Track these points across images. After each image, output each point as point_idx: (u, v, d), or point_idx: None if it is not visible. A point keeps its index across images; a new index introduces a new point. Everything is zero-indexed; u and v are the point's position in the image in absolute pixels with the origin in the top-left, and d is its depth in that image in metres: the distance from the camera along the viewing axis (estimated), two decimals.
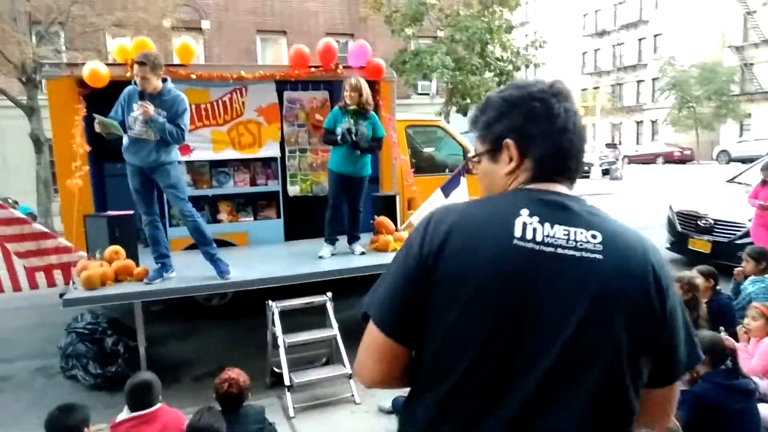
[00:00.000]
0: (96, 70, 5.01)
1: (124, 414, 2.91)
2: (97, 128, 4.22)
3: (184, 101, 4.35)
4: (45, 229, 4.86)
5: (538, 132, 1.18)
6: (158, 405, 2.92)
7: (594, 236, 1.12)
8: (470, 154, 1.40)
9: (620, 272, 1.10)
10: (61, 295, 4.33)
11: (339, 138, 4.97)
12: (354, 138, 4.93)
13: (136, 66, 4.16)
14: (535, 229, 1.11)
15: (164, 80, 4.36)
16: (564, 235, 1.11)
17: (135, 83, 4.27)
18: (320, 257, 5.17)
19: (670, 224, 8.21)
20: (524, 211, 1.13)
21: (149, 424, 2.85)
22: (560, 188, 1.21)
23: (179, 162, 4.78)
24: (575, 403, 1.07)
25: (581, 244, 1.10)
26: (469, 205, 1.25)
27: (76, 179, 4.76)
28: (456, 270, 1.10)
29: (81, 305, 4.43)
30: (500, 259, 1.09)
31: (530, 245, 1.10)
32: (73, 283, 4.47)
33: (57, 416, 2.75)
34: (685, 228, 7.80)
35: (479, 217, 1.17)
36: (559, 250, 1.10)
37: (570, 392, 1.07)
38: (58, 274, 4.75)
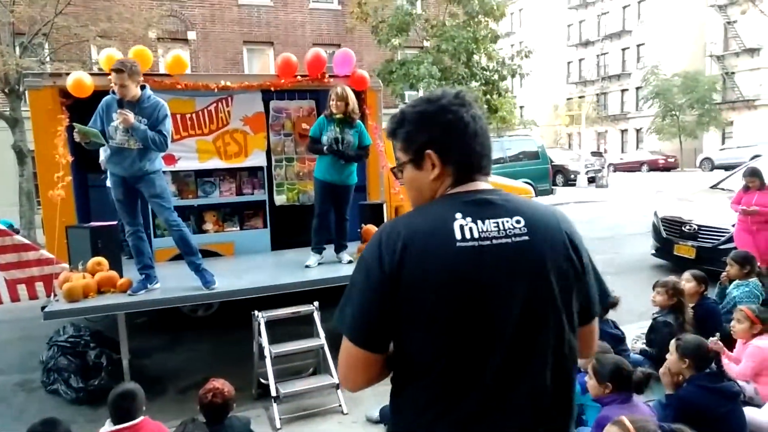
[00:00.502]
0: (81, 80, 4.98)
1: (106, 427, 2.86)
2: (77, 137, 4.16)
3: (164, 107, 4.29)
4: (26, 241, 4.80)
5: (455, 141, 1.36)
6: (141, 418, 2.87)
7: (518, 221, 1.30)
8: (391, 166, 1.58)
9: (545, 245, 1.31)
10: (43, 308, 4.26)
11: (325, 148, 4.96)
12: (340, 147, 4.93)
13: (113, 74, 4.09)
14: (471, 228, 1.27)
15: (143, 87, 4.29)
16: (494, 227, 1.28)
17: (113, 92, 4.21)
18: (307, 266, 5.14)
19: (656, 230, 8.27)
20: (458, 215, 1.29)
21: None
22: (481, 185, 1.38)
23: (164, 171, 4.76)
24: (540, 362, 1.28)
25: (510, 231, 1.29)
26: (411, 217, 1.36)
27: (59, 190, 4.70)
28: (416, 282, 1.24)
29: (63, 317, 4.36)
30: (449, 263, 1.25)
31: (470, 244, 1.26)
32: (55, 295, 4.40)
33: (39, 431, 2.69)
34: (670, 234, 7.87)
35: (424, 228, 1.29)
36: (494, 241, 1.27)
37: (533, 354, 1.28)
38: (40, 287, 4.68)
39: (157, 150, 4.27)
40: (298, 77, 5.86)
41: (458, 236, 1.26)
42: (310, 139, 5.21)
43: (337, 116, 4.96)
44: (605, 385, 2.86)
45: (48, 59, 13.43)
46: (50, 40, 13.28)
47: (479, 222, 1.28)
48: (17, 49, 12.44)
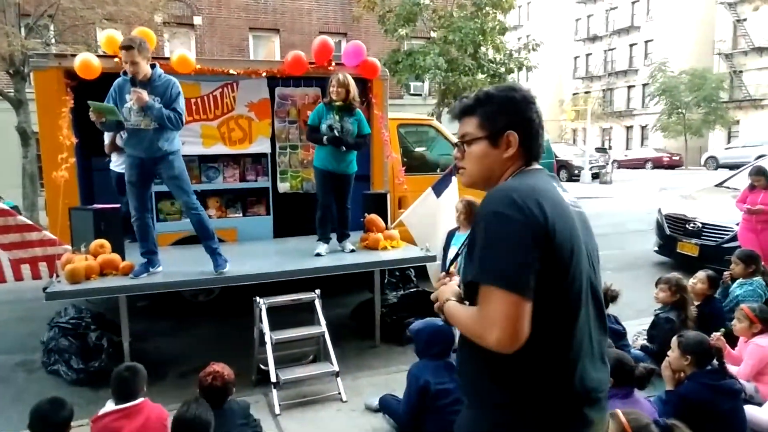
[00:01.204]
0: (88, 61, 4.94)
1: (108, 407, 2.87)
2: (92, 116, 4.11)
3: (176, 84, 4.24)
4: (29, 222, 4.78)
5: (532, 128, 1.59)
6: (141, 399, 2.88)
7: (573, 196, 1.61)
8: (456, 140, 1.71)
9: (585, 215, 1.61)
10: (45, 289, 4.25)
11: (324, 138, 4.92)
12: (339, 134, 4.89)
13: (122, 52, 4.03)
14: (566, 196, 1.55)
15: (152, 66, 4.24)
16: (570, 197, 1.57)
17: (124, 73, 4.18)
18: (317, 254, 5.11)
19: (659, 227, 8.25)
20: (554, 184, 1.56)
21: (130, 418, 2.81)
22: (540, 167, 1.62)
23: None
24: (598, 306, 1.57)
25: (575, 202, 1.58)
26: (522, 182, 1.51)
27: (62, 171, 4.68)
28: (561, 234, 1.41)
29: (65, 299, 4.37)
30: (571, 220, 1.47)
31: (572, 207, 1.53)
32: (57, 276, 4.39)
33: (46, 409, 2.70)
34: (673, 231, 7.85)
35: (546, 190, 1.48)
36: (575, 208, 1.55)
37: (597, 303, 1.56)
38: (43, 267, 4.67)
39: (173, 128, 4.22)
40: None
41: (567, 199, 1.52)
42: (308, 127, 5.16)
43: (337, 103, 4.92)
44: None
45: (53, 41, 13.37)
46: (56, 22, 13.22)
47: (565, 192, 1.55)
48: (23, 30, 12.40)
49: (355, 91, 4.98)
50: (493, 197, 1.45)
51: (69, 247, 4.65)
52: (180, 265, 4.76)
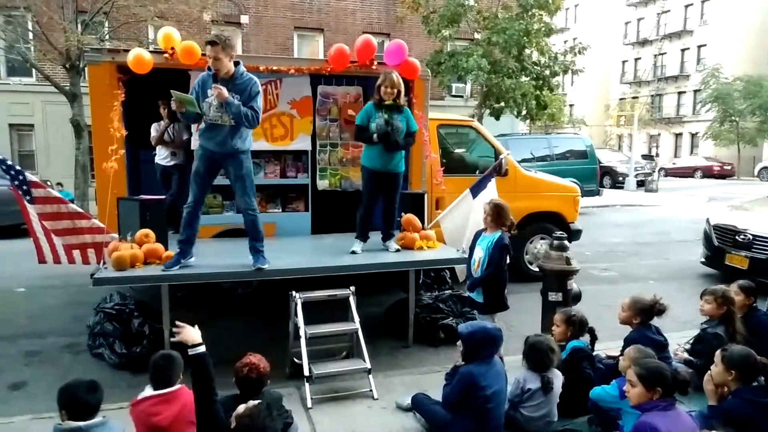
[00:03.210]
0: (141, 56, 5.11)
1: (147, 392, 2.94)
2: (174, 105, 4.28)
3: (257, 84, 4.33)
4: (80, 210, 4.97)
5: None
6: (179, 386, 2.94)
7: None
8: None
9: None
10: (92, 275, 4.42)
11: (375, 136, 4.93)
12: (390, 130, 4.89)
13: (208, 47, 4.12)
14: None
15: (236, 63, 4.31)
16: None
17: (208, 69, 4.28)
18: (353, 252, 5.14)
19: (707, 238, 7.96)
20: None
21: (169, 403, 2.88)
22: None
23: None
24: None
25: None
26: None
27: (112, 162, 4.85)
28: None
29: (110, 285, 4.52)
30: None
31: None
32: (104, 263, 4.56)
33: (77, 387, 2.73)
34: (722, 243, 7.56)
35: None
36: None
37: None
38: (91, 254, 4.86)
39: (249, 126, 4.31)
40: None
41: None
42: (356, 127, 5.16)
43: (387, 103, 4.94)
44: (655, 390, 2.72)
45: (107, 37, 13.89)
46: (110, 19, 13.73)
47: None
48: (79, 26, 12.91)
49: (402, 90, 5.03)
50: None
51: (116, 235, 4.82)
52: (220, 258, 4.86)
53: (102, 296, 5.30)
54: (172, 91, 4.29)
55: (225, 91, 4.11)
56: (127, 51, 5.27)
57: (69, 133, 13.66)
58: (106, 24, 14.10)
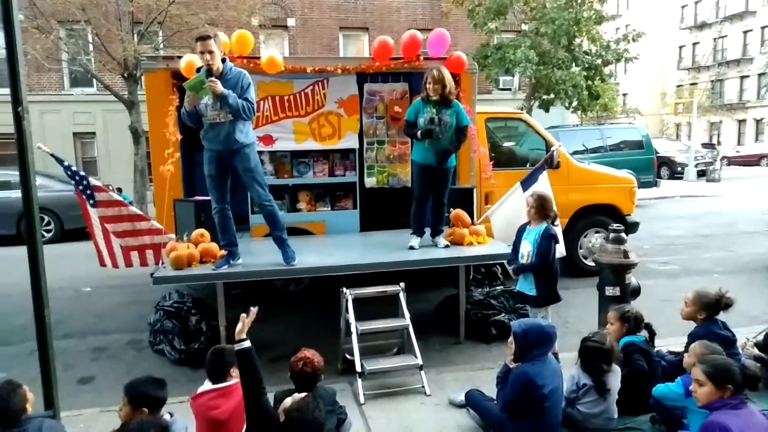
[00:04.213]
0: (191, 62, 5.24)
1: (206, 386, 3.03)
2: (188, 104, 4.27)
3: (247, 76, 4.37)
4: (139, 212, 5.17)
5: None
6: (235, 380, 3.01)
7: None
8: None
9: None
10: (152, 274, 4.59)
11: (419, 133, 4.90)
12: (437, 126, 4.85)
13: (199, 44, 4.16)
14: None
15: (223, 60, 4.35)
16: None
17: (197, 70, 4.30)
18: (411, 247, 5.13)
19: None
20: None
21: (227, 397, 2.96)
22: None
23: (260, 152, 4.88)
24: None
25: None
26: None
27: (168, 165, 5.02)
28: None
29: (169, 283, 4.68)
30: None
31: None
32: (163, 262, 4.73)
33: (146, 384, 2.87)
34: None
35: None
36: None
37: None
38: (149, 255, 5.05)
39: (245, 118, 4.34)
40: (393, 60, 5.84)
41: None
42: (405, 122, 5.14)
43: (434, 98, 4.90)
44: (725, 388, 2.58)
45: (161, 46, 14.40)
46: (164, 28, 14.23)
47: None
48: (135, 36, 13.45)
49: (451, 85, 4.90)
50: None
51: (173, 236, 4.98)
52: (271, 257, 4.95)
53: (161, 295, 5.51)
54: (184, 84, 4.31)
55: (219, 85, 4.13)
56: (180, 58, 5.44)
57: (128, 139, 14.26)
58: (161, 33, 14.63)
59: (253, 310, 2.92)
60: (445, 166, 5.11)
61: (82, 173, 4.88)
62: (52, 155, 4.78)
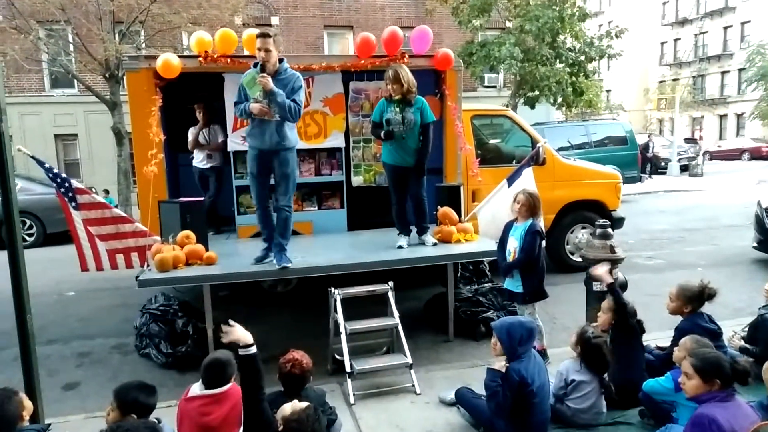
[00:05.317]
0: (168, 61, 5.20)
1: (197, 389, 2.95)
2: (257, 110, 4.29)
3: (299, 78, 4.44)
4: (123, 214, 5.10)
5: None
6: (230, 384, 2.96)
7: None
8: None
9: None
10: (137, 277, 4.53)
11: (382, 133, 4.91)
12: (400, 126, 4.83)
13: (258, 40, 4.28)
14: None
15: (281, 60, 4.44)
16: None
17: (254, 65, 4.37)
18: (399, 247, 5.11)
19: (759, 222, 7.62)
20: None
21: (220, 403, 2.89)
22: None
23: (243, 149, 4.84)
24: None
25: None
26: None
27: (152, 166, 4.96)
28: None
29: (155, 286, 4.63)
30: None
31: None
32: (148, 265, 4.67)
33: (137, 390, 2.81)
34: None
35: None
36: None
37: None
38: (135, 257, 4.98)
39: (291, 119, 4.39)
40: (377, 58, 5.81)
41: None
42: (371, 123, 5.15)
43: (396, 98, 4.89)
44: (713, 382, 2.61)
45: (143, 45, 14.24)
46: (146, 27, 14.07)
47: None
48: (117, 36, 13.28)
49: (410, 82, 4.87)
50: None
51: (158, 238, 4.92)
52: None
53: (147, 298, 5.44)
54: (243, 84, 4.40)
55: (270, 81, 4.20)
56: None
57: (111, 140, 14.10)
58: (142, 33, 14.46)
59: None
60: (412, 166, 5.06)
61: (64, 175, 4.80)
62: (32, 158, 4.70)
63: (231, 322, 2.80)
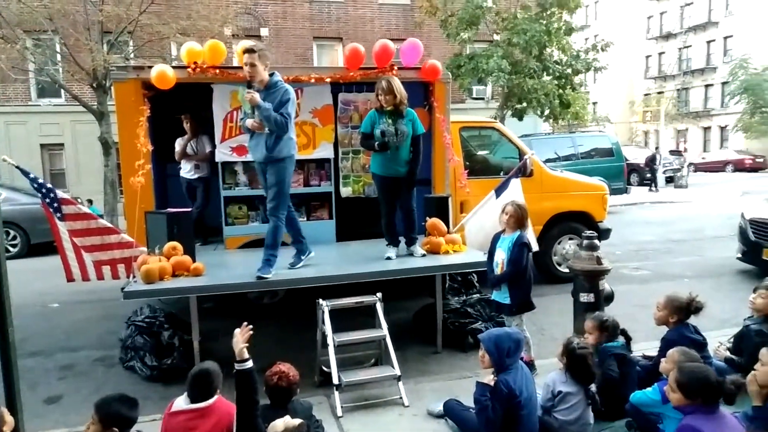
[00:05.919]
0: (164, 72, 5.17)
1: (182, 402, 2.92)
2: (253, 125, 4.44)
3: (288, 91, 4.47)
4: (109, 225, 5.05)
5: None
6: (215, 398, 2.93)
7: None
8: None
9: None
10: (122, 289, 4.48)
11: (376, 144, 4.91)
12: (393, 137, 4.85)
13: (245, 55, 4.33)
14: None
15: (271, 74, 4.49)
16: None
17: (244, 85, 4.45)
18: (388, 258, 5.10)
19: (743, 233, 7.71)
20: None
21: (204, 418, 2.86)
22: None
23: (233, 162, 4.83)
24: None
25: None
26: None
27: (139, 177, 4.92)
28: None
29: (140, 297, 4.58)
30: None
31: None
32: (134, 276, 4.62)
33: (119, 403, 2.76)
34: (759, 237, 7.31)
35: None
36: None
37: None
38: (121, 268, 4.93)
39: (278, 131, 4.41)
40: (367, 69, 5.84)
41: None
42: (361, 134, 5.16)
43: (388, 108, 4.92)
44: (695, 399, 2.62)
45: (132, 56, 14.19)
46: (134, 38, 14.03)
47: None
48: (105, 46, 13.23)
49: (402, 94, 4.90)
50: None
51: (145, 249, 4.88)
52: (245, 268, 4.88)
53: (133, 309, 5.37)
54: (240, 98, 4.53)
55: (257, 96, 4.29)
56: (151, 68, 5.36)
57: (98, 150, 13.98)
58: (131, 43, 14.43)
59: (246, 327, 2.84)
60: (404, 175, 5.08)
61: (49, 185, 4.75)
62: (17, 167, 4.66)
63: (238, 331, 2.77)
